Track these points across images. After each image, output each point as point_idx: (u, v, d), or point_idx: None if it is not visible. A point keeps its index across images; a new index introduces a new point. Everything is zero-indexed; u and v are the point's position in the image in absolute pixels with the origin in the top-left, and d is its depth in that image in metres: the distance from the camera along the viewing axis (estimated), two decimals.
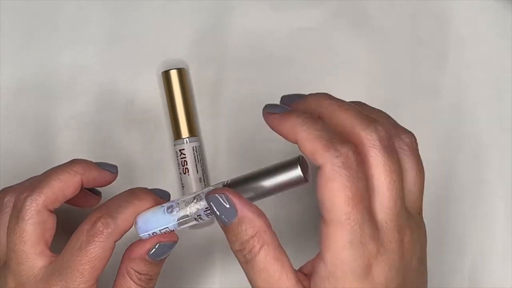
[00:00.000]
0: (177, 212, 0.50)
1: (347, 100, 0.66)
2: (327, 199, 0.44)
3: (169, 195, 0.54)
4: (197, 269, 0.64)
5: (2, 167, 0.65)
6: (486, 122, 0.65)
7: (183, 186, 0.64)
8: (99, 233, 0.49)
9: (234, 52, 0.66)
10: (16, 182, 0.64)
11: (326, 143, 0.45)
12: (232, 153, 0.65)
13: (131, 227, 0.51)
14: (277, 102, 0.65)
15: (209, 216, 0.50)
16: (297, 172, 0.47)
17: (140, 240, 0.52)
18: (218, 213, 0.47)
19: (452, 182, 0.64)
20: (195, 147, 0.64)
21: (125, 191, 0.52)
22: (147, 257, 0.51)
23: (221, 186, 0.49)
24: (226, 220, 0.47)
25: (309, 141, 0.46)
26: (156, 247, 0.51)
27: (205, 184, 0.64)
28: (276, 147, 0.64)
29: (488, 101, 0.65)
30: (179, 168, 0.64)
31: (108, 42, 0.66)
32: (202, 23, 0.66)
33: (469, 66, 0.65)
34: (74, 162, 0.53)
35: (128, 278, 0.51)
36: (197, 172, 0.63)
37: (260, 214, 0.47)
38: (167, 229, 0.51)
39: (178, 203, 0.51)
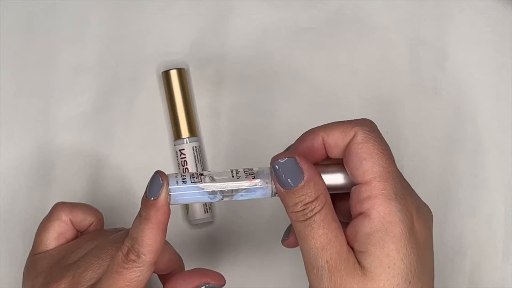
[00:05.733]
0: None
1: (351, 100, 0.66)
2: (364, 160, 0.46)
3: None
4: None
5: (2, 167, 0.65)
6: (486, 122, 0.65)
7: None
8: (132, 261, 0.48)
9: (234, 52, 0.66)
10: (15, 182, 0.64)
11: (347, 122, 0.47)
12: (232, 153, 0.65)
13: (161, 246, 0.49)
14: (276, 101, 0.66)
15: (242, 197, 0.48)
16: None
17: (187, 276, 0.51)
18: (283, 177, 0.46)
19: (452, 182, 0.64)
20: (195, 147, 0.64)
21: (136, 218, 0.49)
22: None
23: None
24: (292, 184, 0.46)
25: (333, 129, 0.47)
26: (204, 287, 0.51)
27: None
28: (276, 147, 0.64)
29: (488, 101, 0.65)
30: (179, 168, 0.64)
31: (108, 42, 0.66)
32: (202, 23, 0.66)
33: (469, 66, 0.65)
34: None
35: None
36: None
37: (320, 175, 0.47)
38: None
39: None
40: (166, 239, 0.54)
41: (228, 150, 0.65)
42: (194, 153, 0.64)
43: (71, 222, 0.56)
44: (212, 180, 0.48)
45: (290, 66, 0.66)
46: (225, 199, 0.48)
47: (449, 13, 0.66)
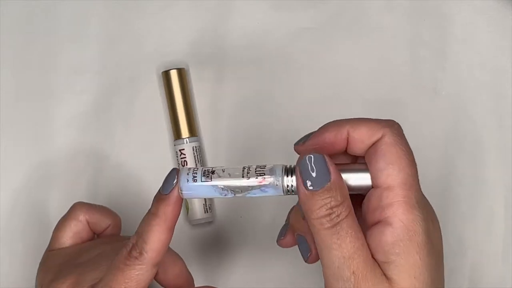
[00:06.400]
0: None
1: (351, 100, 0.66)
2: (391, 163, 0.44)
3: None
4: (197, 269, 0.64)
5: (2, 167, 0.65)
6: (486, 121, 0.65)
7: None
8: (134, 258, 0.48)
9: (234, 52, 0.66)
10: (16, 183, 0.64)
11: (376, 121, 0.46)
12: (232, 153, 0.65)
13: (164, 247, 0.48)
14: (277, 101, 0.66)
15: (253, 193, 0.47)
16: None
17: None
18: (308, 177, 0.44)
19: (452, 182, 0.64)
20: (195, 147, 0.64)
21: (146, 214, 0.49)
22: None
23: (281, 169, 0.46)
24: (318, 186, 0.43)
25: (361, 124, 0.45)
26: None
27: None
28: (276, 147, 0.64)
29: (488, 101, 0.65)
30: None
31: (108, 42, 0.66)
32: (202, 23, 0.66)
33: (469, 66, 0.65)
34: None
35: None
36: None
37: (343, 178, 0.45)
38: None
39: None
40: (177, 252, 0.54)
41: (228, 150, 0.65)
42: (194, 153, 0.64)
43: (88, 222, 0.56)
44: (223, 177, 0.47)
45: (290, 66, 0.66)
46: (237, 195, 0.47)
47: (449, 13, 0.66)
